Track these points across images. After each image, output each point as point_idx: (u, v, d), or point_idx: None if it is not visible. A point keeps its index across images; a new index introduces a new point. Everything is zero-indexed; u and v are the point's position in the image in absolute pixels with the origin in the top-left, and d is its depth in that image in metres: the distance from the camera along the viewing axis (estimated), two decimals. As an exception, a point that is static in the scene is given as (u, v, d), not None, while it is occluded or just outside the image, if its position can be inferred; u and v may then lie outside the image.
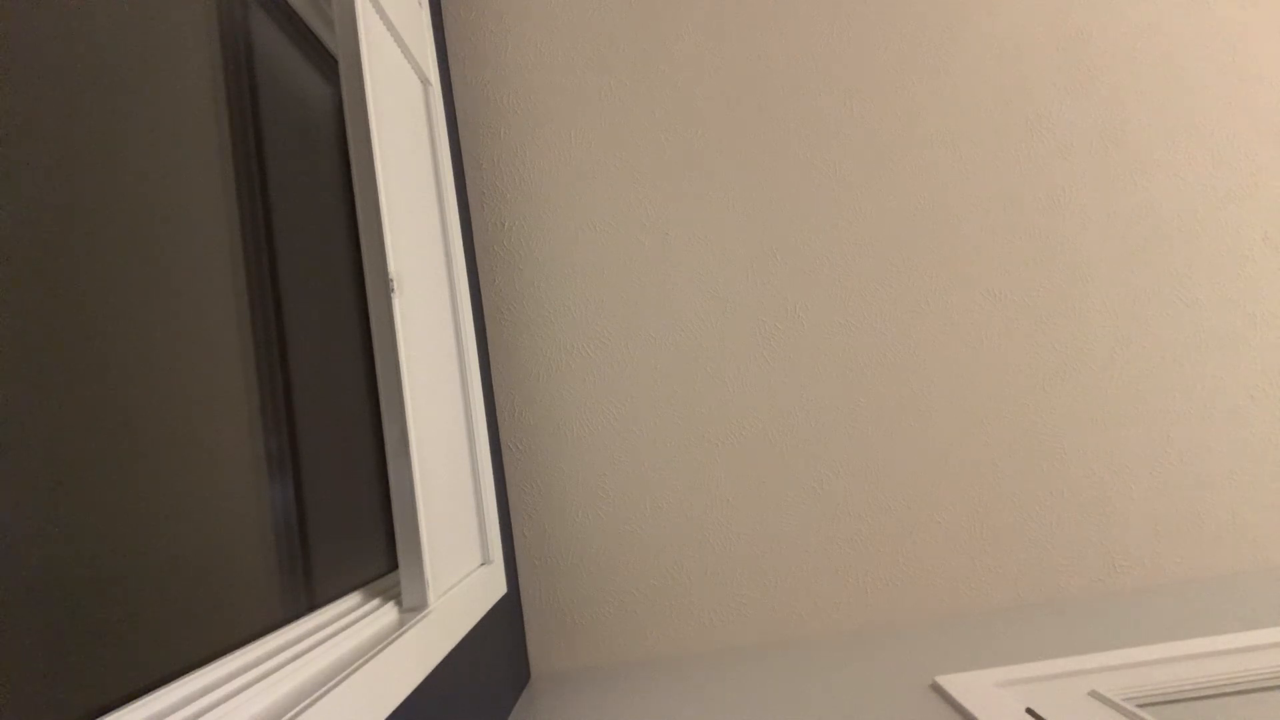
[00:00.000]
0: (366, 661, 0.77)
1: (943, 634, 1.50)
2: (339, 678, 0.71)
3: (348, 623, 0.88)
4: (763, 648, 1.57)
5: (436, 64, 1.44)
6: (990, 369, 1.62)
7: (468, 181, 1.67)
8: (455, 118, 1.65)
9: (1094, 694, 1.10)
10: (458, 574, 1.12)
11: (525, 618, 1.62)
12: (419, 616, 0.95)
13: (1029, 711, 1.06)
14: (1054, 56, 1.65)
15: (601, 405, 1.61)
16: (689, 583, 1.61)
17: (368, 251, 1.00)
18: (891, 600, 1.61)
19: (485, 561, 1.29)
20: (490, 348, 1.63)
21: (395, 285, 1.00)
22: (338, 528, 1.14)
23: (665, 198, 1.64)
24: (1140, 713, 1.02)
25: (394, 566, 1.21)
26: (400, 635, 0.87)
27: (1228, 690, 1.16)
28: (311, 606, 0.93)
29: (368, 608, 0.95)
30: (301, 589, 1.02)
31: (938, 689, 1.21)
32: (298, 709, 0.64)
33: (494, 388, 1.62)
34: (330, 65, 1.28)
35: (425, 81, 1.36)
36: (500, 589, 1.31)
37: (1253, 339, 1.61)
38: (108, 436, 0.70)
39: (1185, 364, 1.61)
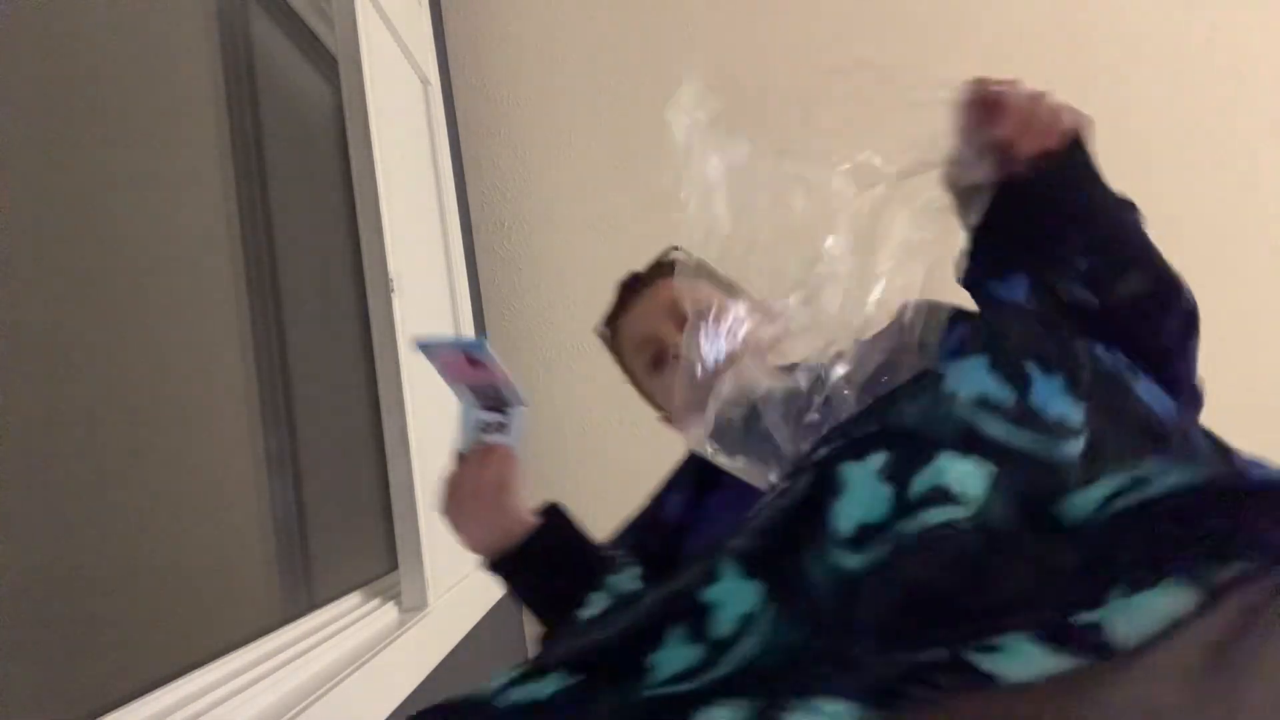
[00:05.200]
0: (366, 661, 0.77)
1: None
2: (339, 678, 0.71)
3: (348, 623, 0.88)
4: (763, 648, 1.57)
5: (436, 64, 1.44)
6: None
7: (468, 181, 1.67)
8: (455, 118, 1.65)
9: (1094, 694, 1.10)
10: (458, 574, 1.12)
11: (525, 618, 1.62)
12: (419, 616, 0.95)
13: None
14: (1054, 56, 1.65)
15: (601, 405, 1.61)
16: (689, 583, 1.61)
17: (368, 251, 0.99)
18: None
19: (485, 561, 1.29)
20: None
21: (395, 285, 0.99)
22: (338, 527, 1.14)
23: (665, 196, 1.64)
24: (1140, 713, 1.01)
25: (394, 566, 1.21)
26: (400, 635, 0.87)
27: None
28: (311, 606, 0.93)
29: (368, 608, 0.95)
30: (302, 589, 1.02)
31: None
32: (298, 709, 0.64)
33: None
34: (330, 65, 1.28)
35: (425, 81, 1.36)
36: (500, 589, 1.30)
37: (1253, 339, 1.61)
38: (109, 437, 0.70)
39: (1185, 364, 1.61)
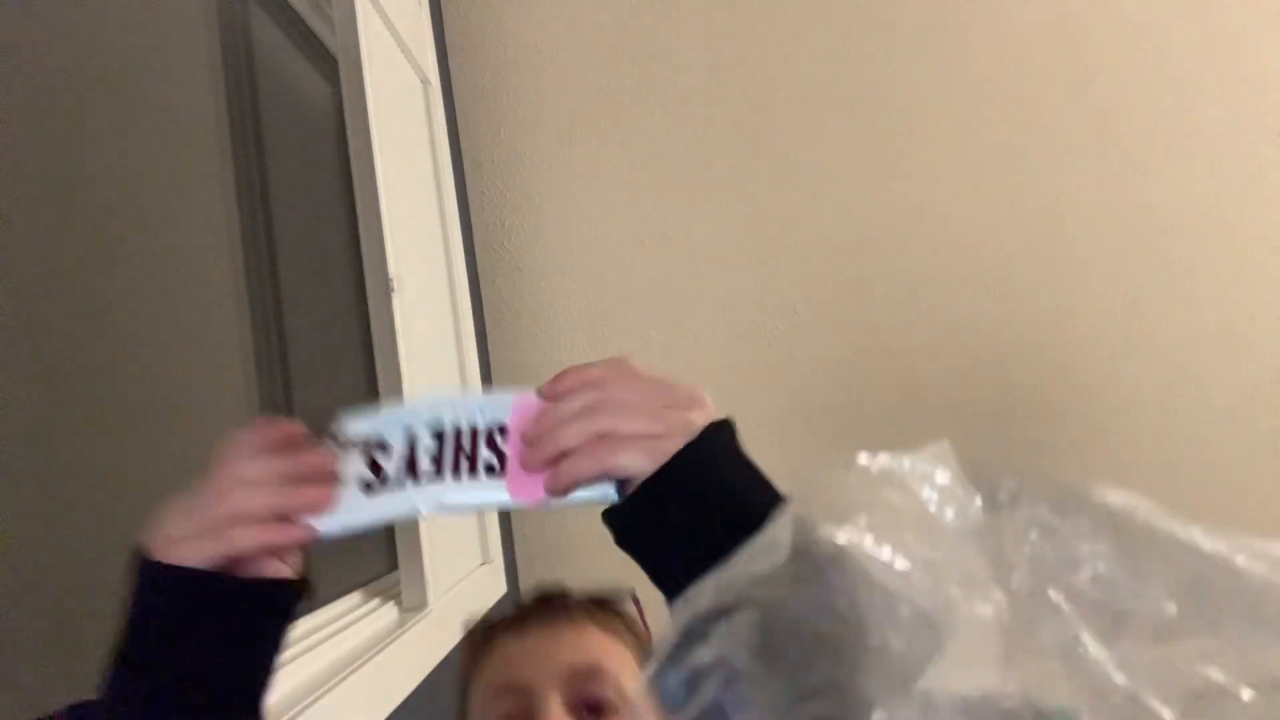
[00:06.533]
0: (366, 661, 0.77)
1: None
2: (339, 678, 0.71)
3: (347, 622, 0.88)
4: (763, 647, 1.57)
5: (436, 64, 1.44)
6: (989, 370, 1.62)
7: (468, 181, 1.67)
8: (455, 118, 1.65)
9: (1094, 694, 1.10)
10: (457, 573, 1.12)
11: (525, 617, 1.61)
12: (419, 616, 0.95)
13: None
14: (1054, 57, 1.65)
15: (601, 405, 1.60)
16: (689, 582, 1.61)
17: (368, 251, 1.00)
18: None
19: (485, 561, 1.29)
20: (490, 348, 1.63)
21: (395, 285, 1.00)
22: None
23: (665, 197, 1.64)
24: (1140, 712, 1.01)
25: (394, 566, 1.21)
26: (400, 635, 0.87)
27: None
28: (311, 606, 0.93)
29: (368, 607, 0.95)
30: (301, 589, 1.02)
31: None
32: (297, 709, 0.64)
33: (494, 388, 1.62)
34: (330, 65, 1.28)
35: (425, 81, 1.36)
36: (500, 589, 1.31)
37: (1253, 338, 1.61)
38: (108, 437, 0.70)
39: (1185, 363, 1.61)
